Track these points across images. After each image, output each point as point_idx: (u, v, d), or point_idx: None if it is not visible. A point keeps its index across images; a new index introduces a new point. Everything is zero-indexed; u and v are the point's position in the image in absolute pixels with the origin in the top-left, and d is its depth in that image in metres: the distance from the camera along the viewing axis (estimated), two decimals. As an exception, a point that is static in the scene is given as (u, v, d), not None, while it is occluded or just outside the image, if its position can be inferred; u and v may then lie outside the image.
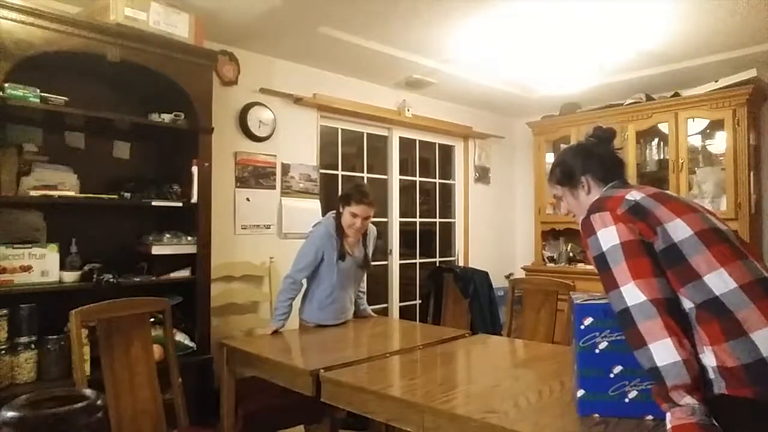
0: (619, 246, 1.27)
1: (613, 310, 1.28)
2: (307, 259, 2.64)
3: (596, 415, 1.39)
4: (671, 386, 1.14)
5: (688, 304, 1.20)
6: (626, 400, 1.37)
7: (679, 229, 1.26)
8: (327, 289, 2.67)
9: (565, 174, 1.60)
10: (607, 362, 1.38)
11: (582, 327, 1.40)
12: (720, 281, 1.18)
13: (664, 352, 1.15)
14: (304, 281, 2.73)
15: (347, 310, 2.80)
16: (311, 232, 2.73)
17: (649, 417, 1.35)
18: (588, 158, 1.56)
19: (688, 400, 1.13)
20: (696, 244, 1.23)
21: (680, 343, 1.15)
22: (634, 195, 1.36)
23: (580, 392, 1.41)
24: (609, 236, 1.29)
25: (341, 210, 2.65)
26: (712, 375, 1.15)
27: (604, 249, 1.29)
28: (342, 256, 2.65)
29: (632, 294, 1.21)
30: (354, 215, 2.59)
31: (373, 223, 2.82)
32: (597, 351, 1.39)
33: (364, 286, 3.02)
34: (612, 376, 1.37)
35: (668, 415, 1.15)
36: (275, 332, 2.57)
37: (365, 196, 2.61)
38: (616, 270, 1.26)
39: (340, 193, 2.84)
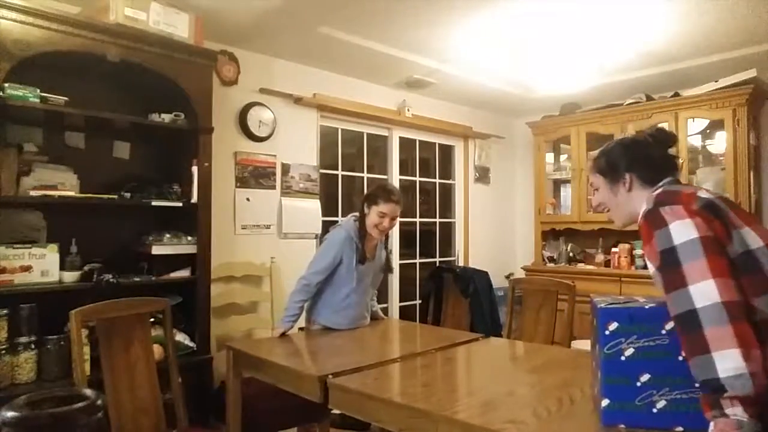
0: (698, 240, 1.16)
1: (669, 311, 1.19)
2: (325, 263, 2.55)
3: (622, 426, 1.31)
4: (728, 396, 1.05)
5: (759, 316, 1.13)
6: (654, 411, 1.28)
7: (750, 238, 1.19)
8: (343, 293, 2.58)
9: (610, 166, 1.50)
10: (633, 370, 1.30)
11: (606, 333, 1.31)
12: None
13: (730, 362, 1.05)
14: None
15: (363, 318, 2.70)
16: (330, 234, 2.64)
17: (679, 428, 1.27)
18: (638, 156, 1.46)
19: (738, 411, 1.04)
20: (767, 256, 1.17)
21: (749, 354, 1.05)
22: (705, 194, 1.27)
23: (605, 401, 1.32)
24: (685, 230, 1.18)
25: (366, 210, 2.57)
26: None
27: (676, 243, 1.18)
28: (362, 260, 2.57)
29: (704, 294, 1.11)
30: (382, 215, 2.52)
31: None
32: (623, 358, 1.30)
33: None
34: (639, 384, 1.29)
35: (711, 425, 1.08)
36: (283, 334, 2.51)
37: (393, 194, 2.57)
38: (689, 266, 1.14)
39: (365, 192, 2.74)
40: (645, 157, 1.46)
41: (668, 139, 1.50)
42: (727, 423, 1.05)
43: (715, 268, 1.13)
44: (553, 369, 2.00)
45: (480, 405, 1.55)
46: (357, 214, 2.64)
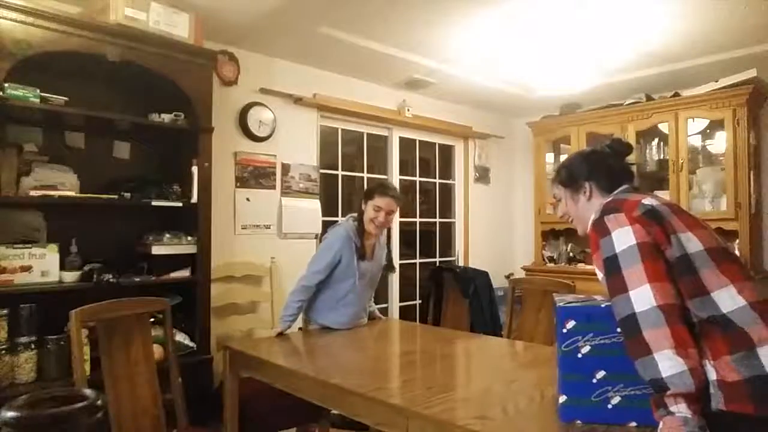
0: (635, 247, 1.23)
1: (615, 316, 1.24)
2: (324, 262, 2.55)
3: (578, 421, 1.36)
4: (671, 393, 1.11)
5: (692, 318, 1.19)
6: (609, 406, 1.33)
7: (691, 242, 1.24)
8: (342, 292, 2.59)
9: (569, 176, 1.58)
10: (589, 367, 1.34)
11: (564, 330, 1.36)
12: (728, 298, 1.18)
13: (669, 362, 1.11)
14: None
15: (361, 317, 2.70)
16: (329, 233, 2.65)
17: (633, 423, 1.32)
18: (596, 166, 1.54)
19: (682, 408, 1.10)
20: (706, 260, 1.22)
21: (687, 353, 1.12)
22: (650, 200, 1.33)
23: (562, 398, 1.38)
24: (624, 237, 1.25)
25: (363, 206, 2.59)
26: (711, 389, 1.13)
27: (618, 250, 1.25)
28: (362, 256, 2.58)
29: (642, 298, 1.17)
30: (377, 209, 2.53)
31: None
32: (579, 355, 1.35)
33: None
34: (595, 381, 1.34)
35: (660, 425, 1.13)
36: (280, 334, 2.52)
37: (389, 188, 2.61)
38: (629, 272, 1.21)
39: (365, 188, 2.79)
40: (603, 167, 1.53)
41: (625, 149, 1.57)
42: (673, 420, 1.10)
43: (651, 273, 1.19)
44: (537, 367, 2.05)
45: (454, 401, 1.61)
46: (355, 214, 2.66)
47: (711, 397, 1.13)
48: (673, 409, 1.10)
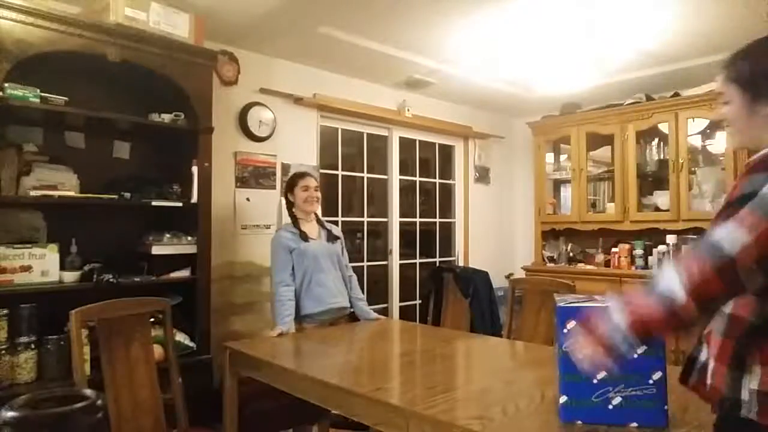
0: None
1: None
2: (281, 258, 2.75)
3: (579, 422, 1.36)
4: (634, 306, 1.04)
5: (758, 316, 1.04)
6: (610, 407, 1.34)
7: None
8: (305, 274, 2.76)
9: (754, 80, 1.14)
10: None
11: (565, 330, 1.36)
12: None
13: (674, 281, 0.98)
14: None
15: (337, 294, 2.82)
16: (271, 241, 2.88)
17: (634, 424, 1.32)
18: None
19: (618, 319, 1.04)
20: None
21: (697, 294, 0.97)
22: None
23: (563, 398, 1.38)
24: None
25: (291, 198, 2.89)
26: (746, 396, 1.03)
27: (765, 191, 0.98)
28: (306, 239, 2.79)
29: (733, 240, 0.96)
30: (305, 188, 2.86)
31: (374, 223, 2.83)
32: None
33: (359, 292, 3.00)
34: (595, 381, 1.34)
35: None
36: (280, 335, 2.57)
37: (304, 172, 3.02)
38: (753, 214, 0.97)
39: (286, 184, 3.06)
40: None
41: None
42: (603, 324, 1.07)
43: (764, 235, 0.94)
44: (537, 367, 2.04)
45: (454, 401, 1.61)
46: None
47: (742, 403, 1.04)
48: (614, 317, 1.06)
